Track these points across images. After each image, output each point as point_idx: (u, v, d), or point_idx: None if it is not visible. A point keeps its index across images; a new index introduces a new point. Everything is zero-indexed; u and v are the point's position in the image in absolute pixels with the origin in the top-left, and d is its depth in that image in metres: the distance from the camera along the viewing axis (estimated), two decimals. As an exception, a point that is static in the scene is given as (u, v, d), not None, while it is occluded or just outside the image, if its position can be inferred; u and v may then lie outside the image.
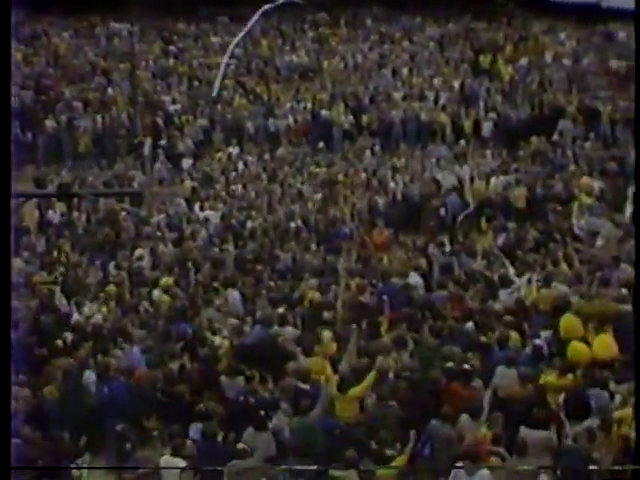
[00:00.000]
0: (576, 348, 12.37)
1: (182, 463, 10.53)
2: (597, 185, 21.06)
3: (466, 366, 12.06)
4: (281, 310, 14.46)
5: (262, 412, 11.39)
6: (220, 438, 11.34)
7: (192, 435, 11.36)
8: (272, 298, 15.44)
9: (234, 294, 15.69)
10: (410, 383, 11.91)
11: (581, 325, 12.98)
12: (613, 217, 19.12)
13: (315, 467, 10.06)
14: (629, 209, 18.93)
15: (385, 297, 14.19)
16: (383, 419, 11.35)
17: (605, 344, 12.51)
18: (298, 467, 10.00)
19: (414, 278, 15.86)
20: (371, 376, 11.77)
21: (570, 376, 11.81)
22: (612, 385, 11.61)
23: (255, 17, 30.36)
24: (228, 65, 29.76)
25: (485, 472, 10.18)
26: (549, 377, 11.86)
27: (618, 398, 11.22)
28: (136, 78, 28.36)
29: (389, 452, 10.72)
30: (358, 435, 11.18)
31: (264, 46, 32.86)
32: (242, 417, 11.51)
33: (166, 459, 10.71)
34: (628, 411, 10.73)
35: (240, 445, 10.86)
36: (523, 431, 10.89)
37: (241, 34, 30.78)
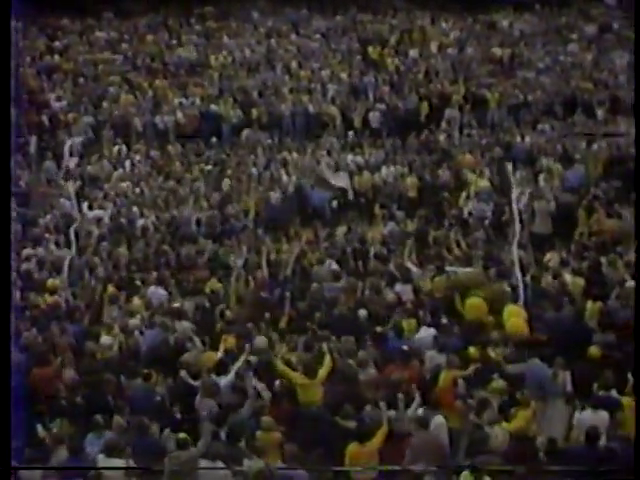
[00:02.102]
0: (513, 324, 12.95)
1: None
2: (486, 170, 21.48)
3: (404, 347, 12.37)
4: (178, 306, 14.39)
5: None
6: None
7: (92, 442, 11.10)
8: (168, 295, 15.32)
9: (155, 290, 15.57)
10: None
11: (485, 306, 13.39)
12: (500, 202, 19.58)
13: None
14: (515, 193, 19.35)
15: (288, 293, 14.27)
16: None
17: (516, 312, 13.18)
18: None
19: (314, 270, 15.97)
20: (328, 360, 11.94)
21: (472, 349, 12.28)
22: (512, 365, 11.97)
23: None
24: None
25: (440, 419, 10.72)
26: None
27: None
28: (20, 75, 27.72)
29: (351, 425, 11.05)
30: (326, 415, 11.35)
31: (150, 41, 32.42)
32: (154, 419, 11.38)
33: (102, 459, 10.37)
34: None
35: (180, 435, 10.69)
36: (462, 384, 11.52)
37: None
